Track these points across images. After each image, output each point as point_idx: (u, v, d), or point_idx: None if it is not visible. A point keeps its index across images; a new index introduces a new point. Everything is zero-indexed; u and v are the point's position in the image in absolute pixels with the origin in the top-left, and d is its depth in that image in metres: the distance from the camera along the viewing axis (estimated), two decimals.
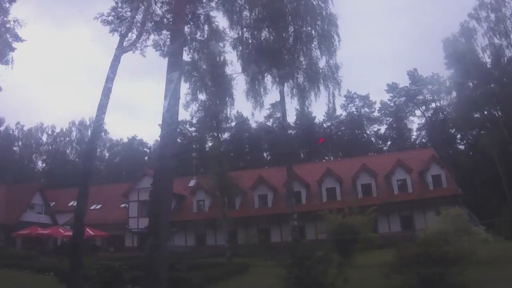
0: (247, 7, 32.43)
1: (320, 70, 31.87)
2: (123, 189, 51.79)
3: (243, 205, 45.75)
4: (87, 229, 43.91)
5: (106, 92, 19.47)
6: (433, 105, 69.56)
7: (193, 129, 77.09)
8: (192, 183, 52.05)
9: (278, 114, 72.32)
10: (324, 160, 62.38)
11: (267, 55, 32.34)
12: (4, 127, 75.94)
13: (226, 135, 72.92)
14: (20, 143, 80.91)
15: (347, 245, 22.48)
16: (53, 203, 56.38)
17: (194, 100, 36.40)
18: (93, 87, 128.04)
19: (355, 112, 73.18)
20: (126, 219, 48.86)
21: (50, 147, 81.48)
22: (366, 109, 74.57)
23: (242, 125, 70.67)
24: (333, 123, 74.82)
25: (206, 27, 28.89)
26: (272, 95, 41.93)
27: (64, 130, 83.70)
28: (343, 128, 75.42)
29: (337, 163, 49.68)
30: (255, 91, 33.59)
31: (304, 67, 32.95)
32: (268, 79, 33.88)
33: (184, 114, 41.24)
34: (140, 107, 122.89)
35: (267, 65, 33.11)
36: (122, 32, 24.74)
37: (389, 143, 75.97)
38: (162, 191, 13.86)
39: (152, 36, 26.58)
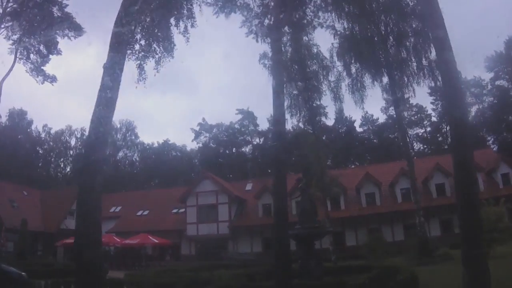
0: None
1: (433, 64, 30.10)
2: (171, 194, 48.86)
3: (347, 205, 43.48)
4: (149, 236, 41.09)
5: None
6: (475, 107, 68.27)
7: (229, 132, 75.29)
8: (249, 186, 49.46)
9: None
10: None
11: (367, 50, 30.86)
12: (30, 129, 72.50)
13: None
14: (46, 146, 77.47)
15: None
16: None
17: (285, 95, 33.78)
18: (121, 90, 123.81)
19: (395, 116, 71.39)
20: (183, 225, 45.53)
21: (78, 151, 78.15)
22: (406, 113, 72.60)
23: None
24: (370, 127, 73.05)
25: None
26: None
27: None
28: (373, 131, 74.10)
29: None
30: (355, 86, 32.30)
31: (407, 61, 31.47)
32: (365, 73, 32.63)
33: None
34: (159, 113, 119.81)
35: (366, 60, 31.67)
36: None
37: (416, 147, 74.73)
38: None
39: None
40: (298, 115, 34.85)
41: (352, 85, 32.38)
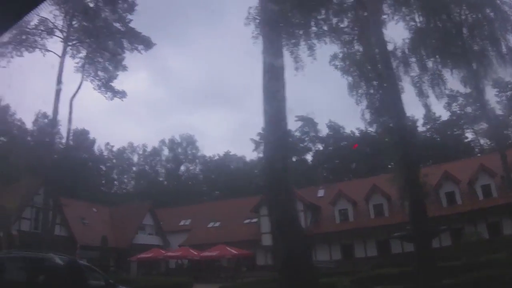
0: None
1: None
2: (241, 204, 48.45)
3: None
4: (227, 248, 40.75)
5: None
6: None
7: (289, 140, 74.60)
8: (321, 193, 48.46)
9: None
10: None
11: (442, 42, 30.14)
12: (93, 148, 74.18)
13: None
14: (109, 164, 79.21)
15: None
16: (161, 223, 53.24)
17: (362, 95, 32.89)
18: (178, 106, 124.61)
19: (458, 112, 69.15)
20: (257, 235, 44.81)
21: (141, 167, 79.39)
22: (469, 108, 70.00)
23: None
24: (433, 125, 71.03)
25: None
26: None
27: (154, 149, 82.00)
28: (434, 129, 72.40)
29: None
30: (435, 81, 31.53)
31: (484, 51, 30.52)
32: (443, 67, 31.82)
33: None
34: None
35: (442, 53, 30.86)
36: None
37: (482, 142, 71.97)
38: None
39: None
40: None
41: (432, 79, 31.50)
